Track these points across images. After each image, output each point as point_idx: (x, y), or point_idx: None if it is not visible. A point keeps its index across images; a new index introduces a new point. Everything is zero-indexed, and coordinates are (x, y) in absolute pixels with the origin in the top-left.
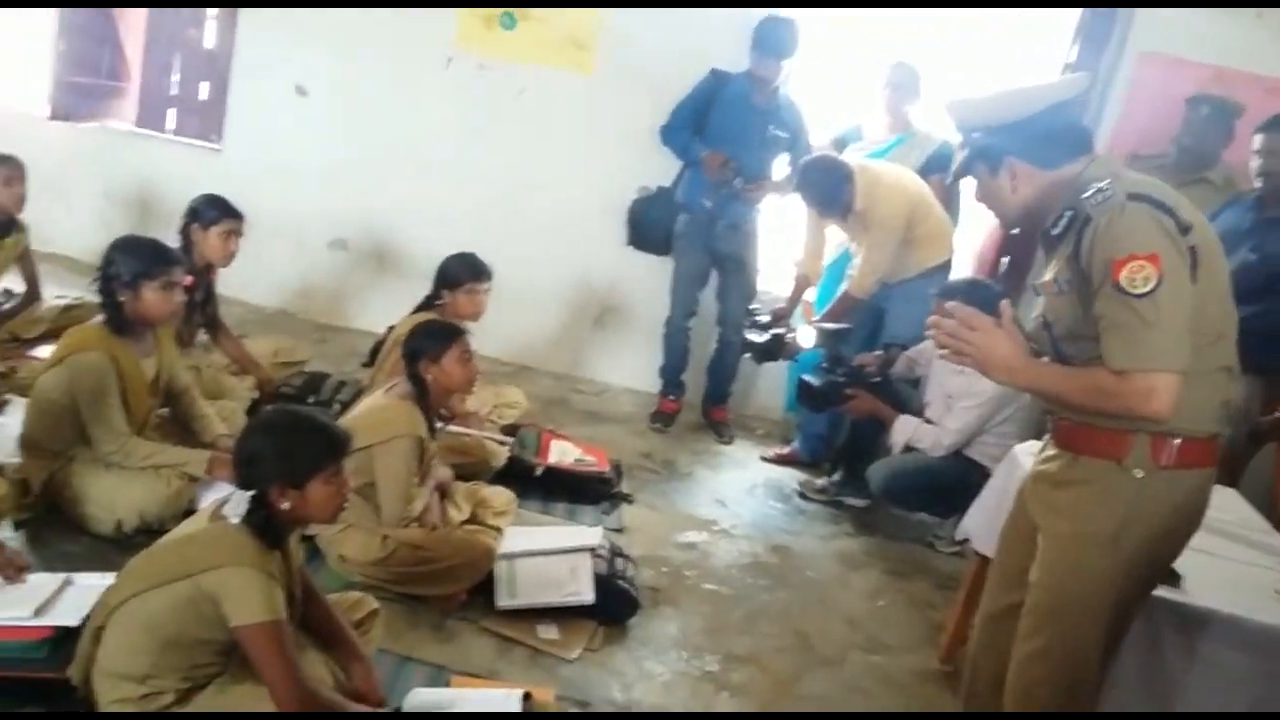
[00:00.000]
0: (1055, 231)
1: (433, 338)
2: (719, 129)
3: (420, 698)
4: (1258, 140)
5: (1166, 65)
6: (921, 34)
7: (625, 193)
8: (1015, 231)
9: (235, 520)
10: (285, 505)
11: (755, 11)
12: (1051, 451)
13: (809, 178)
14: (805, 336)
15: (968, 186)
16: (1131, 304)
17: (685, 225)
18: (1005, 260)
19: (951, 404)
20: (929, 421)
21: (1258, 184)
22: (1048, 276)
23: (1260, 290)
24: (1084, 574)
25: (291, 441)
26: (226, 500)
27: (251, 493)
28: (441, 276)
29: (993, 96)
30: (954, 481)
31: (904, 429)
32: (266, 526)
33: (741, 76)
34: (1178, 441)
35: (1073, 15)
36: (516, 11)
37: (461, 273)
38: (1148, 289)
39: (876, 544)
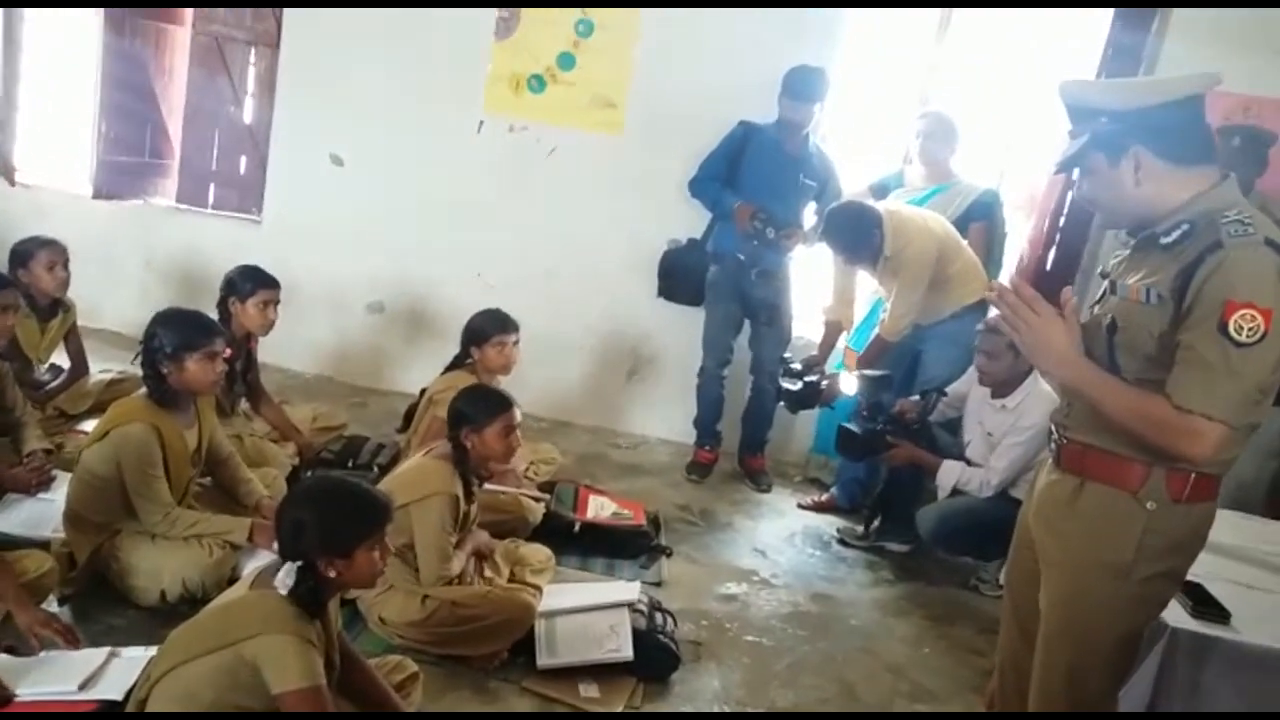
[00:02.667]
0: (1166, 240)
1: (479, 406)
2: (749, 179)
3: None
4: None
5: None
6: (952, 81)
7: (656, 247)
8: (1049, 268)
9: (284, 592)
10: (333, 574)
11: (784, 66)
12: (1055, 476)
13: (836, 225)
14: (848, 384)
15: (999, 234)
16: (1228, 350)
17: (716, 275)
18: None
19: (992, 442)
20: (970, 463)
21: None
22: (1134, 279)
23: None
24: (1095, 605)
25: (337, 513)
26: (265, 569)
27: (299, 564)
28: (469, 334)
29: (1119, 80)
30: (1001, 523)
31: (950, 473)
32: (308, 595)
33: (771, 126)
34: (1192, 477)
35: (1095, 56)
36: (545, 73)
37: (488, 327)
38: (1251, 341)
39: (918, 589)
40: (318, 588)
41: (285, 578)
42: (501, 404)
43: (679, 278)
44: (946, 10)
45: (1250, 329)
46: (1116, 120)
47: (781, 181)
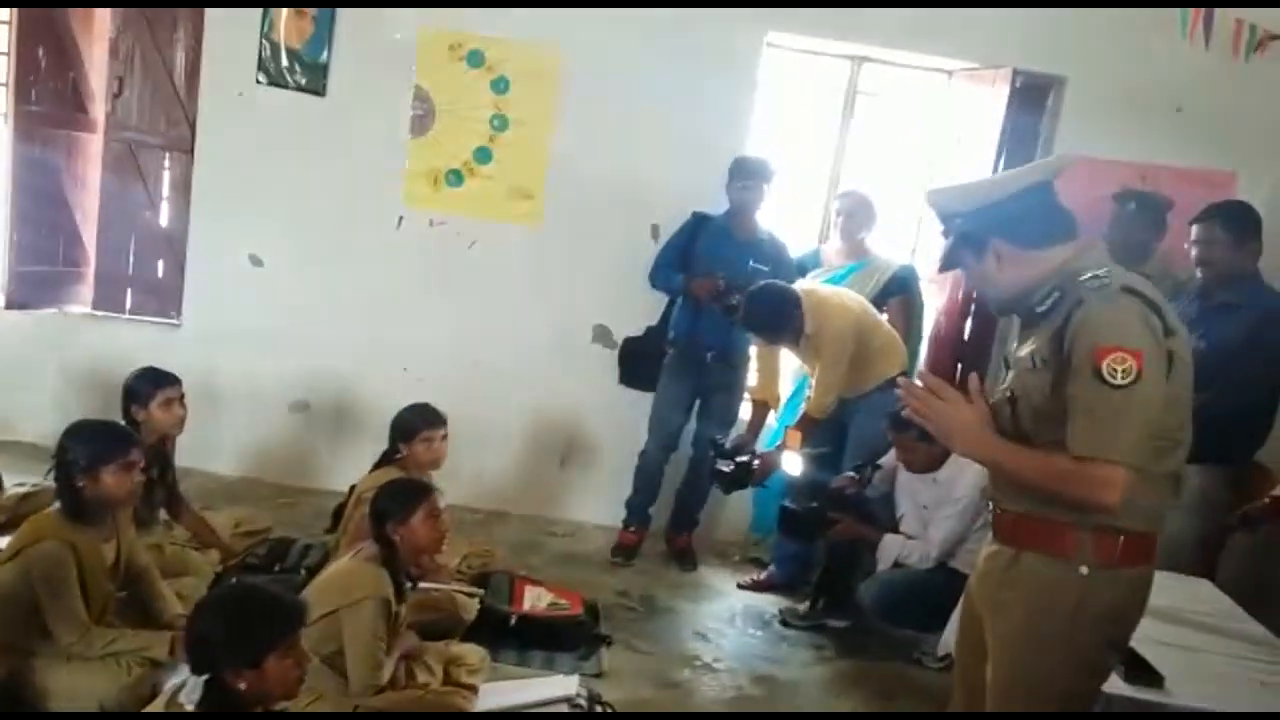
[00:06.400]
0: (1041, 309)
1: (399, 498)
2: (702, 266)
3: None
4: (1194, 231)
5: (1090, 169)
6: (863, 160)
7: (578, 332)
8: (966, 337)
9: (190, 708)
10: (242, 685)
11: (694, 156)
12: (994, 548)
13: (756, 308)
14: (791, 463)
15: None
16: (1107, 393)
17: (673, 358)
18: (960, 368)
19: (927, 514)
20: (907, 536)
21: (1199, 273)
22: (1023, 351)
23: (1211, 376)
24: (1038, 675)
25: (243, 620)
26: (183, 685)
27: (205, 676)
28: (396, 429)
29: (971, 183)
30: (941, 594)
31: (892, 547)
32: (224, 710)
33: (721, 215)
34: (1121, 539)
35: (995, 128)
36: (462, 168)
37: (415, 422)
38: (1126, 382)
39: (862, 666)
40: (228, 700)
41: (190, 692)
42: (422, 490)
43: (637, 364)
44: (850, 93)
45: (1124, 370)
46: (971, 220)
47: (732, 267)
